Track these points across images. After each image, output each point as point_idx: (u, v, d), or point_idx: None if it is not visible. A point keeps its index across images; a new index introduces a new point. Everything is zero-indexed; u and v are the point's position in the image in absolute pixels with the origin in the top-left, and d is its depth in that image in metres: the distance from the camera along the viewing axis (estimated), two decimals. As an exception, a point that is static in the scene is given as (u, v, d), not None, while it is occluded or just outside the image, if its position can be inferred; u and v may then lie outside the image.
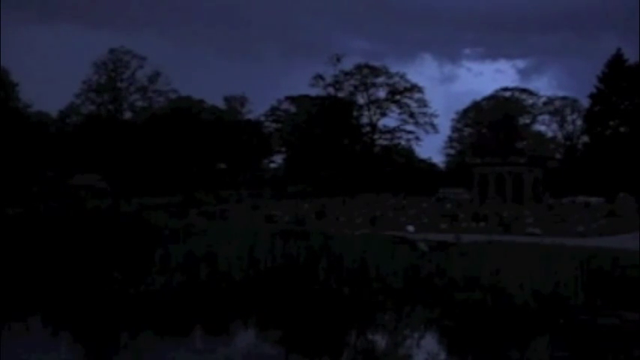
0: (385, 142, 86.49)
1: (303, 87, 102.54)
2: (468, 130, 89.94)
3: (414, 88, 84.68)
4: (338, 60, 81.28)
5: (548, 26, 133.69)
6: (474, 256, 18.80)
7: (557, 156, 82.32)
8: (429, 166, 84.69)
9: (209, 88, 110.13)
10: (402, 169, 77.29)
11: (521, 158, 63.30)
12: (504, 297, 14.49)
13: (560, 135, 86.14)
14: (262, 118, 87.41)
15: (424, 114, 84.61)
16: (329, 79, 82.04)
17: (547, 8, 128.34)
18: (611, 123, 67.76)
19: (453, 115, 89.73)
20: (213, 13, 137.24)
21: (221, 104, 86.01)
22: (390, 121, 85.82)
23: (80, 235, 23.96)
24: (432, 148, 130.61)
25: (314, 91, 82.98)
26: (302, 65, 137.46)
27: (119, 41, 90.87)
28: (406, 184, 67.26)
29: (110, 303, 14.63)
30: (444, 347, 12.32)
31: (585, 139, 74.84)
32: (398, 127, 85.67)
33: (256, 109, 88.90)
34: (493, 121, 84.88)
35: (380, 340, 12.95)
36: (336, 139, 77.34)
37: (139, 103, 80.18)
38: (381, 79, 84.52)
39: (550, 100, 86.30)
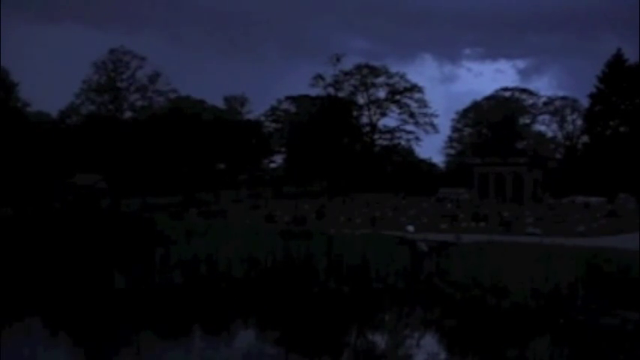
0: (385, 142, 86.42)
1: (303, 87, 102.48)
2: (468, 130, 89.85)
3: (414, 88, 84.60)
4: (338, 60, 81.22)
5: (548, 26, 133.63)
6: (474, 256, 18.80)
7: (557, 156, 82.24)
8: (429, 166, 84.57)
9: (209, 88, 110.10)
10: (402, 169, 77.20)
11: (521, 158, 63.24)
12: (504, 297, 14.49)
13: (560, 135, 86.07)
14: (262, 118, 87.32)
15: (424, 114, 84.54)
16: (329, 79, 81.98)
17: (547, 8, 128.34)
18: (611, 123, 67.70)
19: (453, 115, 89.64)
20: (213, 13, 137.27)
21: (221, 104, 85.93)
22: (390, 121, 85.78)
23: (80, 236, 23.95)
24: (432, 148, 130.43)
25: (314, 91, 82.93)
26: (302, 65, 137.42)
27: (119, 41, 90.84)
28: (406, 184, 67.20)
29: (110, 303, 14.63)
30: (444, 347, 12.32)
31: (585, 139, 74.76)
32: (398, 127, 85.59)
33: (256, 109, 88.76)
34: (493, 121, 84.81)
35: (380, 340, 12.94)
36: (336, 139, 77.26)
37: (139, 103, 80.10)
38: (381, 79, 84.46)
39: (550, 100, 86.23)
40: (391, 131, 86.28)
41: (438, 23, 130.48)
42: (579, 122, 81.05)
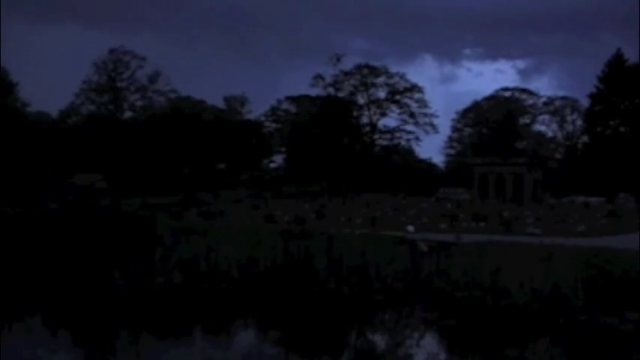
0: (385, 142, 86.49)
1: (303, 87, 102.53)
2: (468, 130, 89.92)
3: (414, 88, 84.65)
4: (338, 60, 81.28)
5: (548, 26, 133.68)
6: (473, 256, 18.80)
7: (557, 156, 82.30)
8: (428, 166, 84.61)
9: (209, 88, 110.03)
10: (401, 169, 77.20)
11: (521, 158, 63.29)
12: (504, 297, 14.50)
13: (560, 135, 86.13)
14: (262, 118, 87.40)
15: (424, 114, 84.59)
16: (329, 79, 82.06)
17: (547, 8, 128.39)
18: (611, 123, 67.72)
19: (453, 115, 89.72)
20: (213, 14, 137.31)
21: (221, 104, 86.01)
22: (390, 121, 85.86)
23: (80, 235, 23.96)
24: (432, 148, 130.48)
25: (314, 91, 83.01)
26: (302, 65, 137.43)
27: (119, 41, 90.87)
28: (406, 184, 67.20)
29: (110, 303, 14.63)
30: (444, 347, 12.32)
31: (585, 139, 74.80)
32: (398, 127, 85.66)
33: (256, 109, 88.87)
34: (493, 121, 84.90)
35: (380, 340, 12.94)
36: (336, 139, 77.27)
37: (139, 103, 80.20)
38: (381, 79, 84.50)
39: (550, 100, 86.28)
40: (391, 131, 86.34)
41: (438, 23, 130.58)
42: (579, 122, 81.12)
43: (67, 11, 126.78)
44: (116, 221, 29.58)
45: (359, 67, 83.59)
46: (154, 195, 55.60)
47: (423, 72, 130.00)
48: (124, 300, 14.93)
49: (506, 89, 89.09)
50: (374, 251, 19.81)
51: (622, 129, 67.19)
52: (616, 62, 67.92)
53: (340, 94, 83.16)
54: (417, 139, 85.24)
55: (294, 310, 14.45)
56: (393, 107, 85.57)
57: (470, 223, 35.59)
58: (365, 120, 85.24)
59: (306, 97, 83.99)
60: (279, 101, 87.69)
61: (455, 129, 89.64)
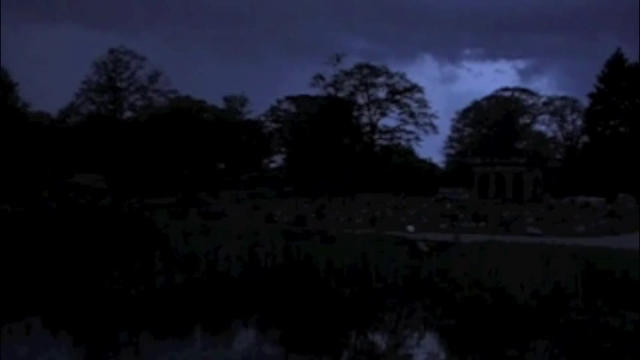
0: (385, 142, 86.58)
1: (303, 87, 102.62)
2: (468, 130, 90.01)
3: (414, 88, 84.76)
4: (338, 60, 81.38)
5: (548, 26, 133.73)
6: (474, 256, 18.79)
7: (557, 156, 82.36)
8: (428, 166, 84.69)
9: (209, 88, 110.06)
10: (402, 169, 77.26)
11: (521, 158, 63.32)
12: (504, 297, 14.48)
13: (560, 135, 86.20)
14: (262, 118, 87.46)
15: (424, 114, 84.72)
16: (329, 79, 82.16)
17: (547, 8, 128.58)
18: (611, 123, 67.76)
19: (453, 115, 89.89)
20: (213, 14, 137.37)
21: (221, 104, 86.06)
22: (390, 121, 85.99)
23: (80, 235, 23.93)
24: (432, 148, 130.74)
25: (314, 91, 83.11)
26: (302, 65, 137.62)
27: (119, 41, 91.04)
28: (406, 184, 67.25)
29: (110, 303, 14.62)
30: (444, 347, 12.32)
31: (585, 139, 74.85)
32: (398, 127, 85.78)
33: (256, 109, 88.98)
34: (493, 121, 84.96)
35: (380, 340, 12.94)
36: (336, 139, 77.30)
37: (139, 103, 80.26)
38: (381, 79, 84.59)
39: (550, 100, 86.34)
40: (391, 131, 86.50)
41: (438, 23, 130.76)
42: (579, 122, 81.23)
43: (67, 11, 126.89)
44: (116, 221, 29.55)
45: (359, 67, 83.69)
46: (154, 195, 55.61)
47: (423, 72, 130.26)
48: (124, 300, 14.92)
49: (506, 89, 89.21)
50: (374, 251, 19.80)
51: (622, 129, 67.22)
52: (616, 62, 67.94)
53: (340, 94, 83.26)
54: (417, 139, 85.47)
55: (295, 310, 14.46)
56: (393, 107, 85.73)
57: (470, 223, 35.61)
58: (365, 120, 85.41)
59: (306, 97, 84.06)
60: (279, 101, 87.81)
61: (455, 129, 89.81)
